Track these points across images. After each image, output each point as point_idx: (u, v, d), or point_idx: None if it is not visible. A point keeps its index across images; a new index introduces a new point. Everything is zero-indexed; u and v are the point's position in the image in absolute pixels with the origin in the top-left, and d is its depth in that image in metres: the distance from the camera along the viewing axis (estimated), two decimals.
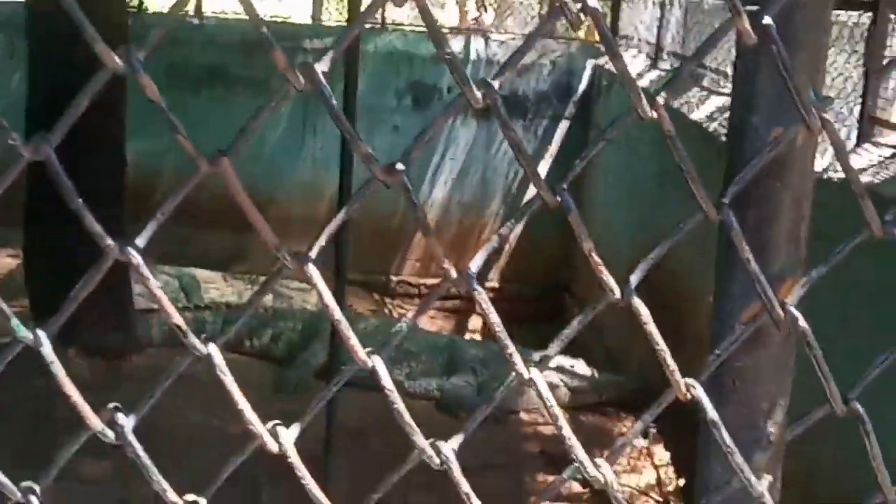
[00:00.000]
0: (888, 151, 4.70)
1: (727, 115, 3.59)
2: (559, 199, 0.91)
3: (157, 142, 7.66)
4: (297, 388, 6.23)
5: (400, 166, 0.90)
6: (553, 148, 9.15)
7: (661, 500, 5.46)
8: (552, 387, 6.43)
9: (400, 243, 9.43)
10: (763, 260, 0.91)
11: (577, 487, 5.45)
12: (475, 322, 9.58)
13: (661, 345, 0.91)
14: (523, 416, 6.38)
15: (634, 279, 0.93)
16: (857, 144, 4.87)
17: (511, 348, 0.89)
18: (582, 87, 9.09)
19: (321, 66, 0.84)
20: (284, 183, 8.72)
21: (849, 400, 0.93)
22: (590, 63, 9.09)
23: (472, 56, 9.11)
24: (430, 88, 8.95)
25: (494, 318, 0.90)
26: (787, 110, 0.88)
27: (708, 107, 6.29)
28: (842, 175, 4.52)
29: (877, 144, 4.84)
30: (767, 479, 0.94)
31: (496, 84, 0.89)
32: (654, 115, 0.91)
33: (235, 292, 7.87)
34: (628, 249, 7.20)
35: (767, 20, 0.85)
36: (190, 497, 0.90)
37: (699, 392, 0.91)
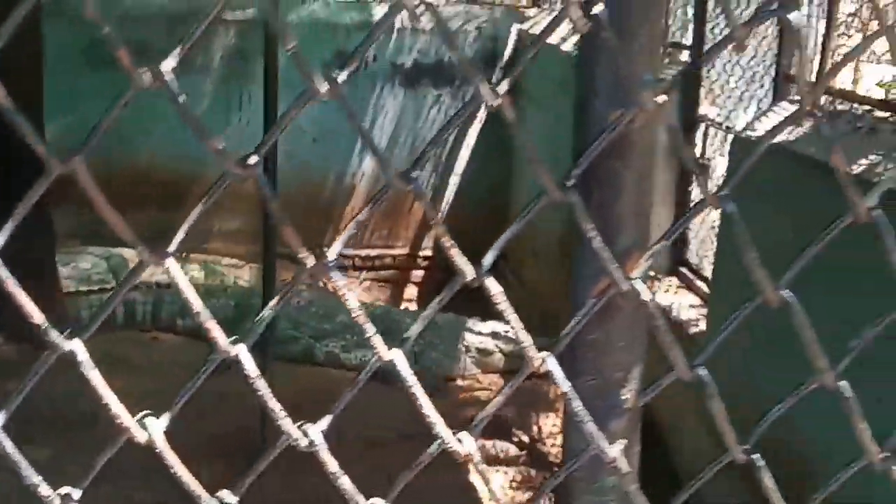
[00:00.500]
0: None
1: None
2: (410, 185, 0.94)
3: (76, 121, 7.57)
4: (230, 366, 6.21)
5: (253, 160, 0.92)
6: (481, 114, 9.20)
7: None
8: (487, 353, 6.54)
9: (331, 215, 9.43)
10: (609, 237, 0.96)
11: (513, 450, 5.53)
12: (410, 291, 9.64)
13: (514, 322, 0.96)
14: (460, 382, 6.44)
15: (487, 260, 0.97)
16: (773, 102, 4.97)
17: (370, 332, 0.93)
18: (507, 52, 9.13)
19: (168, 65, 0.86)
20: (210, 160, 8.67)
21: (693, 367, 0.98)
22: (514, 28, 9.13)
23: (397, 24, 9.10)
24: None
25: (353, 303, 0.94)
26: (625, 93, 0.93)
27: None
28: (756, 134, 4.62)
29: (792, 102, 4.95)
30: (622, 443, 1.00)
31: (343, 76, 0.92)
32: (499, 103, 0.95)
33: (166, 270, 7.80)
34: (560, 223, 7.36)
35: (598, 9, 0.89)
36: (63, 490, 0.93)
37: (551, 365, 0.96)
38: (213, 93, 8.64)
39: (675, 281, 5.91)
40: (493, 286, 0.96)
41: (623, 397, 1.03)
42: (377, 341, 0.94)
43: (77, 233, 8.13)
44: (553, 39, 7.52)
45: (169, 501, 4.76)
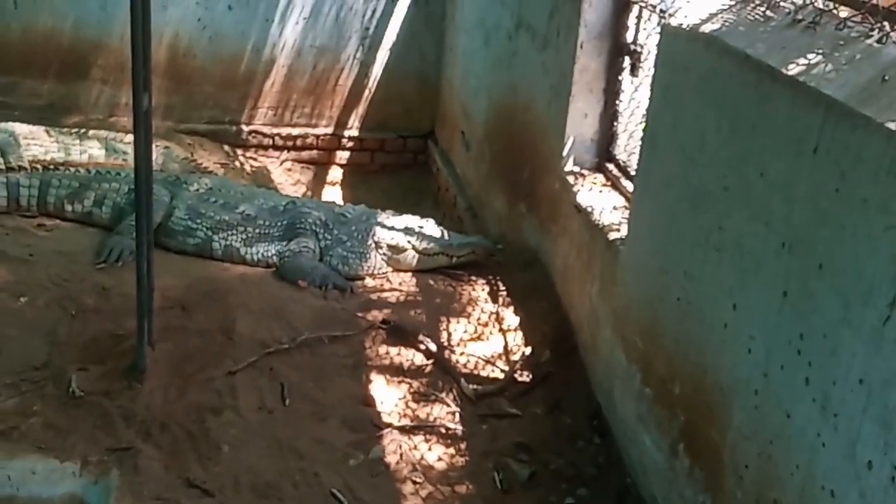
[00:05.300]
0: None
1: None
2: None
3: None
4: (112, 254, 5.97)
5: None
6: None
7: (507, 368, 5.48)
8: (400, 250, 6.44)
9: (250, 90, 9.23)
10: None
11: (419, 359, 5.45)
12: (335, 174, 9.51)
13: None
14: (369, 282, 6.37)
15: None
16: None
17: None
18: None
19: None
20: (115, 26, 8.31)
21: None
22: None
23: None
24: None
25: None
26: None
27: None
28: (686, 22, 4.56)
29: None
30: None
31: None
32: None
33: (62, 148, 7.52)
34: (486, 92, 7.67)
35: None
36: None
37: None
38: None
39: (600, 178, 5.78)
40: None
41: None
42: None
43: None
44: None
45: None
